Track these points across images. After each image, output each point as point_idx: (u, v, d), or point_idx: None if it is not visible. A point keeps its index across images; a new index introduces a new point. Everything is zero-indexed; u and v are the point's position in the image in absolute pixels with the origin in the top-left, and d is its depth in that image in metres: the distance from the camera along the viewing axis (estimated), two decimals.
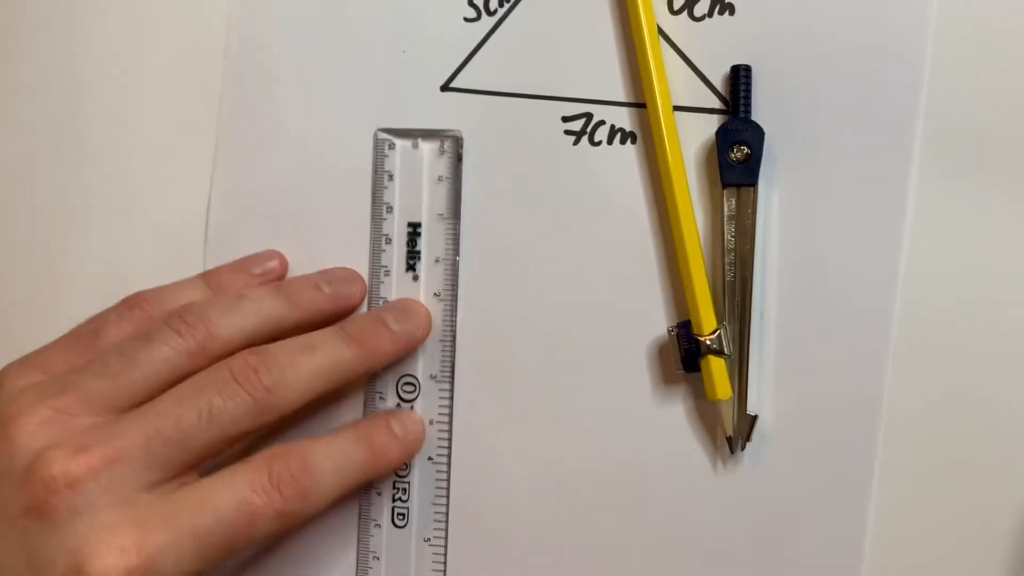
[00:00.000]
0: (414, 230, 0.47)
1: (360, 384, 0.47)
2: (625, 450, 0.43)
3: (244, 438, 0.40)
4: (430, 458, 0.46)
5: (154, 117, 0.50)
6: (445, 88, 0.46)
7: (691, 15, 0.44)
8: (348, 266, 0.46)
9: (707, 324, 0.42)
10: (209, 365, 0.41)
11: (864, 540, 0.41)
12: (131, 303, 0.43)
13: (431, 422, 0.46)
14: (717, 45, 0.43)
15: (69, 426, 0.38)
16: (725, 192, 0.42)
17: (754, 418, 0.42)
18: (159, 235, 0.49)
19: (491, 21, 0.46)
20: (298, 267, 0.47)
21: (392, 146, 0.47)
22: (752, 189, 0.42)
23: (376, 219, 0.47)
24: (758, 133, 0.42)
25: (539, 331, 0.45)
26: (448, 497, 0.46)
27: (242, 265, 0.47)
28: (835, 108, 0.42)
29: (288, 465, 0.39)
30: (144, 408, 0.39)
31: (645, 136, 0.43)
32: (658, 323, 0.43)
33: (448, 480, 0.46)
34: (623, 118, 0.44)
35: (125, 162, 0.50)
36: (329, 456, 0.41)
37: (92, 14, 0.51)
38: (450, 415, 0.46)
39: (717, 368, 0.42)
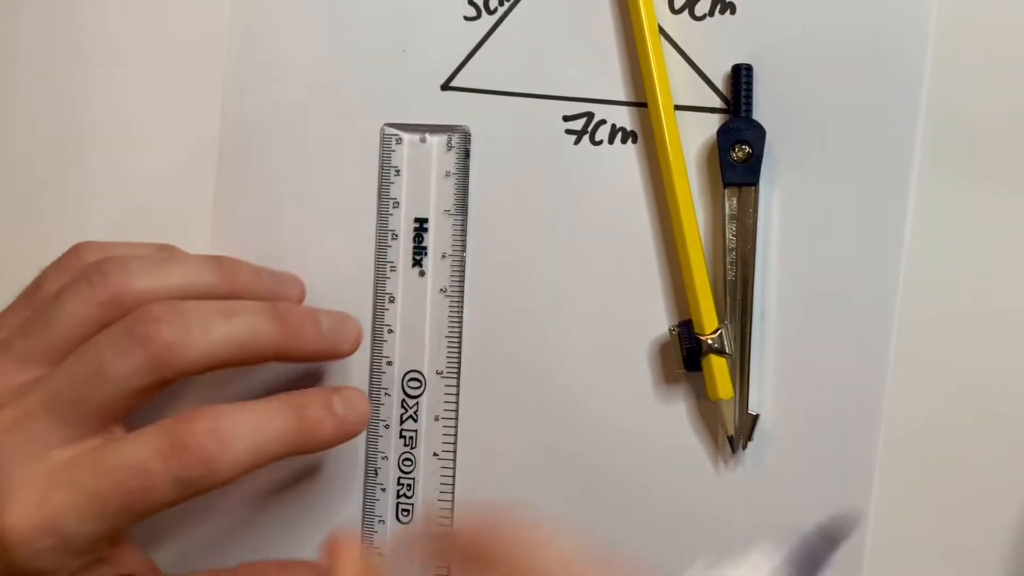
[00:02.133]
0: (421, 225, 0.47)
1: (362, 381, 0.47)
2: (627, 448, 0.43)
3: (147, 395, 0.39)
4: (435, 454, 0.46)
5: (158, 115, 0.50)
6: (445, 87, 0.46)
7: (692, 14, 0.44)
8: (352, 262, 0.46)
9: (708, 323, 0.42)
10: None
11: (865, 540, 0.41)
12: (71, 252, 0.43)
13: (436, 418, 0.46)
14: (718, 44, 0.43)
15: (2, 385, 0.39)
16: (726, 191, 0.42)
17: (755, 417, 0.42)
18: (164, 230, 0.49)
19: (491, 20, 0.46)
20: (304, 264, 0.47)
21: (399, 141, 0.47)
22: (753, 189, 0.42)
23: (382, 214, 0.47)
24: (759, 132, 0.42)
25: (544, 328, 0.45)
26: (453, 493, 0.46)
27: (254, 268, 0.46)
28: (836, 107, 0.42)
29: (194, 429, 0.37)
30: (57, 367, 0.39)
31: (646, 136, 0.44)
32: (660, 322, 0.44)
33: (453, 476, 0.46)
34: (624, 117, 0.44)
35: (127, 159, 0.50)
36: (245, 423, 0.39)
37: (96, 8, 0.50)
38: (456, 411, 0.46)
39: (719, 367, 0.42)
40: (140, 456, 0.37)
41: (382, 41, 0.47)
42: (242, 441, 0.38)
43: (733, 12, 0.43)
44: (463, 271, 0.46)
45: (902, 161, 0.42)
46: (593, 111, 0.45)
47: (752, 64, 0.42)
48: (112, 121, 0.50)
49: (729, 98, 0.43)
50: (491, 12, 0.46)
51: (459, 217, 0.46)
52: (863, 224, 0.42)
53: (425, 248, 0.47)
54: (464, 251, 0.46)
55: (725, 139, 0.42)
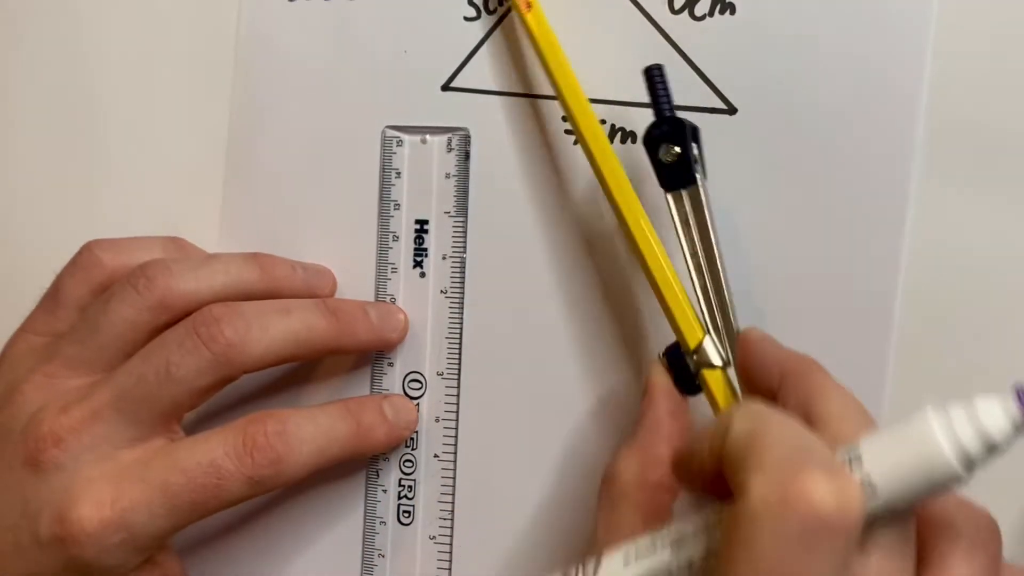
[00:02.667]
0: (421, 227, 0.47)
1: (364, 381, 0.47)
2: None
3: (212, 392, 0.41)
4: (436, 455, 0.47)
5: (166, 117, 0.50)
6: (446, 88, 0.47)
7: (692, 14, 0.44)
8: (354, 264, 0.47)
9: (691, 338, 0.41)
10: (172, 320, 0.42)
11: None
12: (83, 251, 0.44)
13: (437, 419, 0.46)
14: (718, 45, 0.44)
15: (57, 388, 0.40)
16: (670, 197, 0.41)
17: None
18: (171, 230, 0.49)
19: (491, 20, 0.46)
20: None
21: (400, 143, 0.47)
22: (697, 188, 0.41)
23: (383, 216, 0.47)
24: (683, 129, 0.41)
25: (544, 330, 0.45)
26: (454, 495, 0.47)
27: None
28: (836, 107, 0.42)
29: (264, 430, 0.40)
30: (120, 368, 0.40)
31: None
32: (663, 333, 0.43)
33: (454, 478, 0.47)
34: (623, 117, 0.44)
35: (136, 163, 0.51)
36: (310, 426, 0.41)
37: (107, 13, 0.51)
38: (456, 412, 0.46)
39: (715, 381, 0.40)
40: (213, 455, 0.39)
41: (383, 42, 0.47)
42: (307, 444, 0.41)
43: (733, 12, 0.43)
44: (463, 272, 0.46)
45: (902, 160, 0.42)
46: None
47: (752, 64, 0.43)
48: (121, 123, 0.51)
49: (651, 101, 0.42)
50: (491, 12, 0.46)
51: (459, 218, 0.46)
52: (862, 224, 0.42)
53: (426, 249, 0.47)
54: (464, 252, 0.46)
55: (651, 143, 0.41)
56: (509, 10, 0.45)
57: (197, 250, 0.47)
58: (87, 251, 0.44)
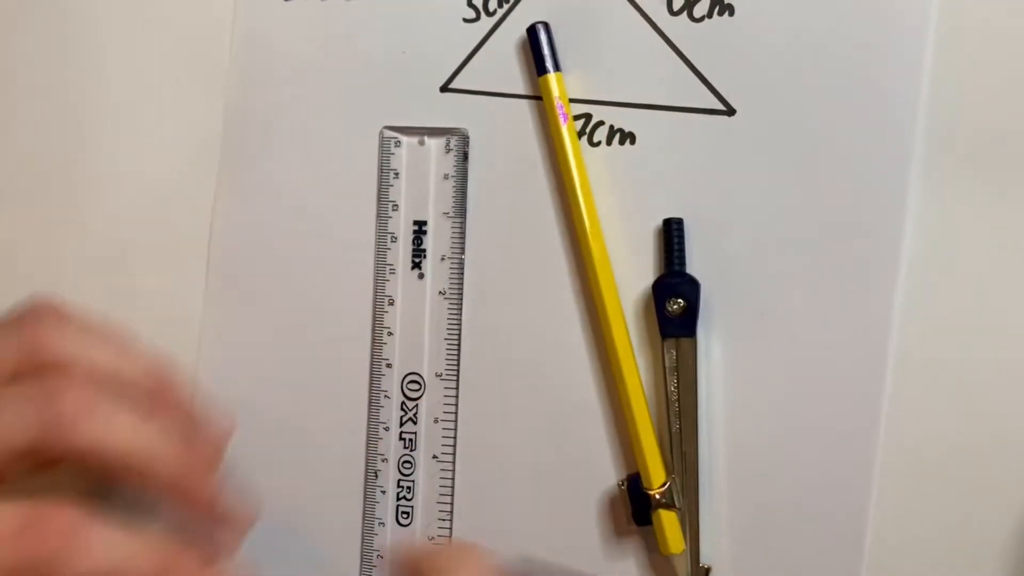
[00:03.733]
0: (420, 228, 0.47)
1: (363, 384, 0.47)
2: None
3: (24, 462, 0.36)
4: (435, 456, 0.47)
5: (160, 118, 0.50)
6: (445, 89, 0.47)
7: (691, 16, 0.44)
8: (352, 265, 0.47)
9: (656, 478, 0.43)
10: None
11: None
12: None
13: (436, 420, 0.47)
14: (717, 46, 0.44)
15: None
16: (665, 343, 0.43)
17: (708, 570, 0.43)
18: (164, 231, 0.50)
19: (490, 22, 0.47)
20: (304, 267, 0.48)
21: (398, 143, 0.48)
22: (692, 340, 0.43)
23: (382, 217, 0.47)
24: (693, 286, 0.43)
25: (544, 332, 0.45)
26: (453, 495, 0.47)
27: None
28: (834, 108, 0.42)
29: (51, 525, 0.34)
30: None
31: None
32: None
33: (453, 479, 0.47)
34: (621, 118, 0.45)
35: (129, 161, 0.51)
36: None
37: (102, 13, 0.51)
38: (455, 413, 0.47)
39: (668, 521, 0.42)
40: None
41: (382, 43, 0.48)
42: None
43: (732, 14, 0.44)
44: (462, 273, 0.47)
45: (900, 162, 0.42)
46: (591, 112, 0.45)
47: (748, 67, 0.43)
48: (114, 123, 0.51)
49: (663, 250, 0.43)
50: (490, 14, 0.46)
51: (458, 219, 0.47)
52: (856, 224, 0.42)
53: (424, 250, 0.47)
54: (463, 253, 0.47)
55: (660, 293, 0.43)
56: (508, 12, 0.46)
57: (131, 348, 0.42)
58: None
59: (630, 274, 0.44)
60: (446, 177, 0.47)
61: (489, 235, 0.47)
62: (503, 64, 0.46)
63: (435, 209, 0.47)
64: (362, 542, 0.48)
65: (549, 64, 0.44)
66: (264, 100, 0.49)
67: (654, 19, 0.45)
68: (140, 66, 0.51)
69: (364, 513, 0.48)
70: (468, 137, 0.47)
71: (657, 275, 0.43)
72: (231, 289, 0.49)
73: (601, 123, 0.45)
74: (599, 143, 0.45)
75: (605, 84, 0.45)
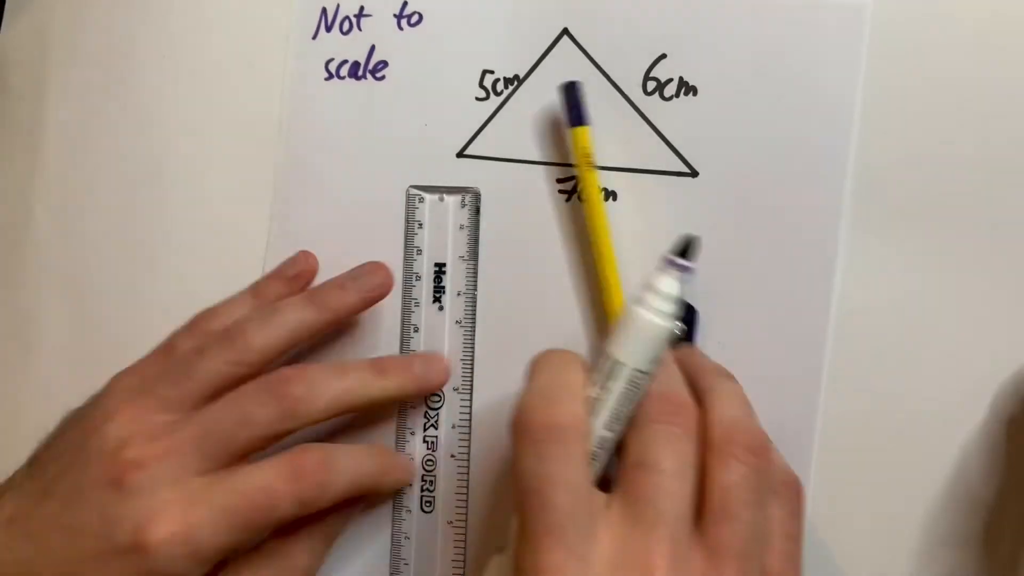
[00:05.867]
0: (439, 269, 0.50)
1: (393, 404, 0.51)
2: None
3: (279, 438, 0.45)
4: (452, 455, 0.50)
5: (219, 181, 0.54)
6: (460, 155, 0.50)
7: (661, 95, 0.48)
8: (382, 300, 0.50)
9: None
10: (250, 371, 0.46)
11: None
12: (195, 320, 0.49)
13: (453, 426, 0.50)
14: (683, 120, 0.48)
15: (146, 421, 0.44)
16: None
17: None
18: (224, 273, 0.53)
19: (497, 100, 0.50)
20: None
21: (422, 200, 0.50)
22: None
23: (408, 260, 0.50)
24: (692, 314, 0.46)
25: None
26: (468, 487, 0.50)
27: (278, 272, 0.51)
28: (777, 172, 0.46)
29: (311, 459, 0.44)
30: (203, 410, 0.44)
31: (625, 197, 0.48)
32: None
33: (468, 473, 0.50)
34: (606, 179, 0.48)
35: (197, 215, 0.54)
36: (346, 459, 0.45)
37: (170, 91, 0.55)
38: (469, 421, 0.50)
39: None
40: (267, 479, 0.43)
41: (408, 117, 0.51)
42: (346, 472, 0.45)
43: (695, 94, 0.48)
44: (475, 306, 0.50)
45: (831, 218, 0.46)
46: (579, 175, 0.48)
47: (708, 137, 0.47)
48: (180, 186, 0.54)
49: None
50: (498, 94, 0.50)
51: (471, 262, 0.50)
52: (794, 269, 0.46)
53: (443, 287, 0.50)
54: (475, 290, 0.50)
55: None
56: (512, 93, 0.50)
57: (274, 285, 0.50)
58: (196, 320, 0.49)
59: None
60: (461, 227, 0.50)
61: (498, 274, 0.49)
62: (508, 135, 0.50)
63: (452, 253, 0.50)
64: (392, 526, 0.50)
65: (581, 117, 0.47)
66: (308, 160, 0.52)
67: (631, 98, 0.49)
68: (201, 137, 0.54)
69: (393, 503, 0.50)
70: (479, 195, 0.50)
71: None
72: None
73: None
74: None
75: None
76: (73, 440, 0.45)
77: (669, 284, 0.41)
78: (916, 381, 0.46)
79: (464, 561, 0.50)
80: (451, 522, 0.50)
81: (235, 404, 0.44)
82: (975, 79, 0.46)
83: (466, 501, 0.50)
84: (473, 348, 0.50)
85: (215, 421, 0.44)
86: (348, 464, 0.46)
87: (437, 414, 0.51)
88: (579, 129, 0.47)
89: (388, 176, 0.51)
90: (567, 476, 0.37)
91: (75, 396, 0.47)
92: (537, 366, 0.41)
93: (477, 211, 0.50)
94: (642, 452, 0.38)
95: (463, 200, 0.51)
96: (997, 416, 0.45)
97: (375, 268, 0.50)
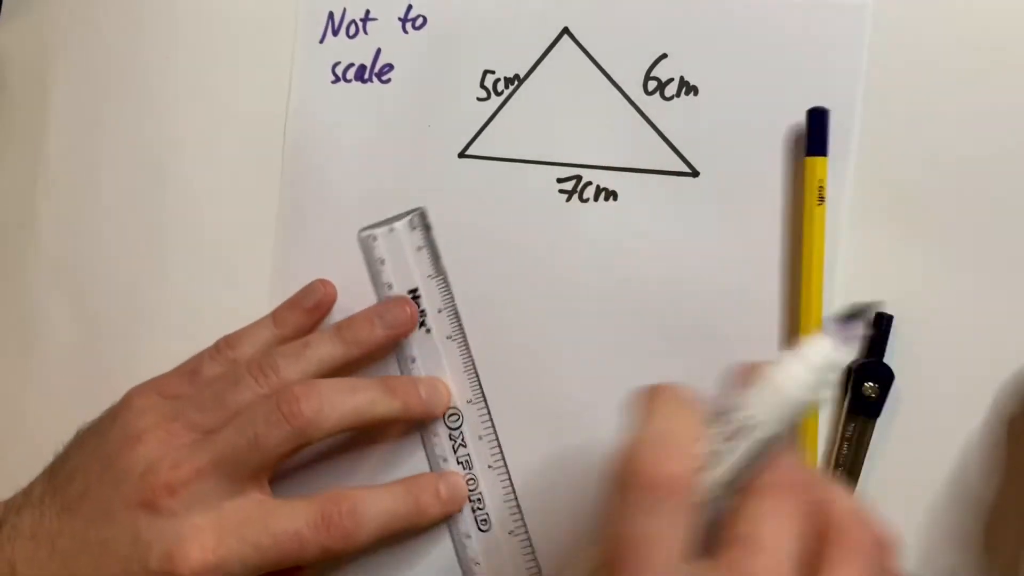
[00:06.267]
0: (415, 293, 0.51)
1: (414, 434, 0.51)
2: None
3: (292, 454, 0.46)
4: (489, 466, 0.50)
5: (226, 179, 0.54)
6: (462, 155, 0.51)
7: (662, 95, 0.48)
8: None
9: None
10: None
11: None
12: (220, 346, 0.50)
13: (480, 438, 0.50)
14: (684, 120, 0.48)
15: (174, 445, 0.45)
16: (847, 416, 0.46)
17: None
18: (229, 274, 0.54)
19: (498, 100, 0.50)
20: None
21: (375, 238, 0.51)
22: (873, 422, 0.46)
23: (381, 297, 0.52)
24: (889, 376, 0.46)
25: (543, 344, 0.49)
26: (515, 493, 0.50)
27: (296, 301, 0.52)
28: (773, 175, 0.47)
29: (339, 509, 0.45)
30: (218, 433, 0.45)
31: (627, 198, 0.48)
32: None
33: (510, 479, 0.50)
34: (606, 179, 0.49)
35: (202, 216, 0.55)
36: (376, 505, 0.46)
37: (176, 98, 0.55)
38: (493, 428, 0.50)
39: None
40: (297, 526, 0.44)
41: (412, 119, 0.51)
42: (374, 520, 0.46)
43: (696, 94, 0.48)
44: (459, 319, 0.51)
45: (832, 214, 0.46)
46: (581, 174, 0.49)
47: (709, 137, 0.47)
48: (187, 193, 0.55)
49: (868, 343, 0.46)
50: (498, 94, 0.50)
51: (439, 277, 0.51)
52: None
53: (424, 311, 0.51)
54: (453, 301, 0.51)
55: (860, 375, 0.45)
56: (513, 92, 0.50)
57: (294, 316, 0.51)
58: (220, 346, 0.50)
59: None
60: (419, 248, 0.51)
61: (470, 282, 0.50)
62: (509, 134, 0.50)
63: (420, 275, 0.51)
64: (457, 557, 0.50)
65: (824, 147, 0.46)
66: (314, 163, 0.53)
67: (633, 98, 0.49)
68: (207, 141, 0.55)
69: (450, 530, 0.50)
70: (424, 211, 0.51)
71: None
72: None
73: (590, 183, 0.49)
74: (587, 200, 0.49)
75: (593, 150, 0.49)
76: (97, 457, 0.46)
77: (822, 350, 0.37)
78: (916, 381, 0.46)
79: (537, 566, 0.50)
80: (511, 532, 0.51)
81: (249, 426, 0.45)
82: (975, 79, 0.46)
83: (518, 508, 0.50)
84: (472, 359, 0.51)
85: (231, 446, 0.45)
86: (379, 512, 0.46)
87: (461, 432, 0.51)
88: (818, 159, 0.46)
89: (387, 189, 0.53)
90: (669, 537, 0.35)
91: (77, 396, 0.49)
92: (650, 406, 0.37)
93: (427, 228, 0.51)
94: (750, 526, 0.35)
95: (412, 222, 0.52)
96: (997, 416, 0.45)
97: (400, 303, 0.51)
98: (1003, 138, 0.46)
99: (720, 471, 0.36)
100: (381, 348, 0.51)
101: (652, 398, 0.38)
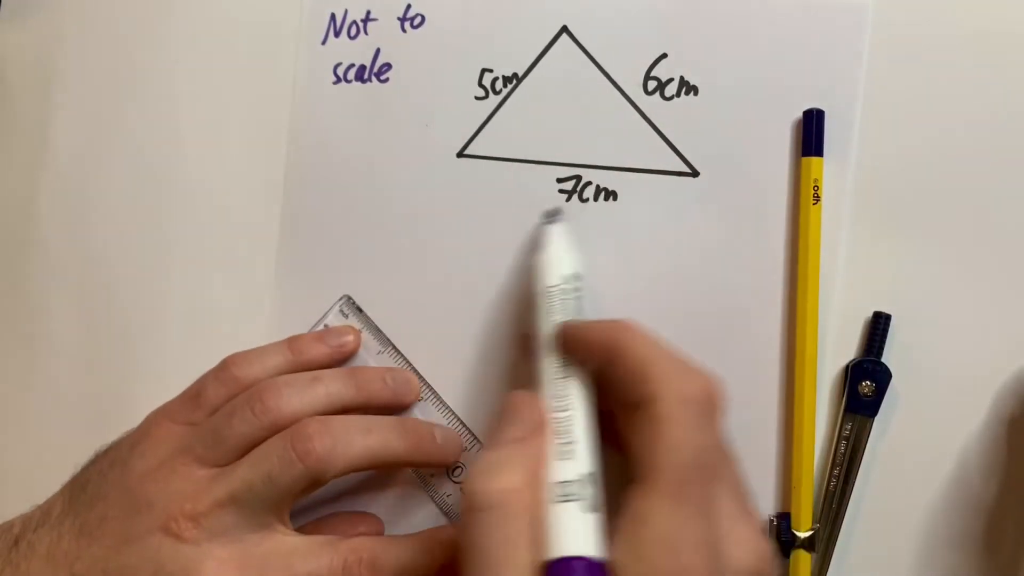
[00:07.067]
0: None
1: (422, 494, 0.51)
2: None
3: (307, 492, 0.46)
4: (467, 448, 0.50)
5: (230, 180, 0.54)
6: (460, 155, 0.50)
7: (662, 95, 0.48)
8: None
9: (804, 523, 0.46)
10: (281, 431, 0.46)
11: None
12: (224, 367, 0.49)
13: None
14: (684, 120, 0.48)
15: (192, 477, 0.45)
16: (845, 416, 0.46)
17: None
18: (233, 274, 0.54)
19: (497, 99, 0.50)
20: None
21: (346, 314, 0.52)
22: (870, 420, 0.46)
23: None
24: (887, 375, 0.46)
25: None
26: None
27: (322, 336, 0.52)
28: (776, 172, 0.47)
29: (359, 558, 0.44)
30: (233, 469, 0.45)
31: (627, 198, 0.48)
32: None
33: None
34: (606, 179, 0.49)
35: (206, 216, 0.54)
36: (397, 559, 0.45)
37: (180, 97, 0.55)
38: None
39: (803, 562, 0.46)
40: (318, 568, 0.44)
41: (410, 119, 0.51)
42: (391, 571, 0.45)
43: (696, 94, 0.48)
44: (423, 379, 0.51)
45: (833, 213, 0.46)
46: (581, 174, 0.49)
47: (709, 137, 0.47)
48: (192, 191, 0.55)
49: (865, 341, 0.46)
50: (497, 93, 0.50)
51: (390, 349, 0.51)
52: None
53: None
54: (412, 366, 0.51)
55: (857, 374, 0.46)
56: (512, 91, 0.50)
57: (315, 348, 0.51)
58: (226, 365, 0.49)
59: None
60: (364, 329, 0.52)
61: (466, 295, 0.50)
62: (508, 134, 0.50)
63: (371, 353, 0.52)
64: None
65: (820, 147, 0.46)
66: (317, 164, 0.53)
67: (632, 98, 0.49)
68: (212, 137, 0.54)
69: None
70: (352, 298, 0.52)
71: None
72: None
73: (589, 183, 0.49)
74: (587, 199, 0.49)
75: (593, 150, 0.49)
76: (117, 486, 0.46)
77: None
78: (913, 380, 0.47)
79: None
80: None
81: (263, 463, 0.45)
82: (975, 79, 0.46)
83: None
84: (454, 414, 0.51)
85: (246, 483, 0.45)
86: (397, 562, 0.46)
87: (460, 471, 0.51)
88: (813, 159, 0.47)
89: (389, 193, 0.52)
90: (512, 549, 0.37)
91: (80, 395, 0.48)
92: (499, 419, 0.41)
93: (359, 309, 0.52)
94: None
95: (342, 311, 0.53)
96: (996, 415, 0.46)
97: (409, 379, 0.51)
98: (1002, 138, 0.46)
99: (580, 461, 0.39)
100: (384, 406, 0.50)
101: (501, 410, 0.41)
